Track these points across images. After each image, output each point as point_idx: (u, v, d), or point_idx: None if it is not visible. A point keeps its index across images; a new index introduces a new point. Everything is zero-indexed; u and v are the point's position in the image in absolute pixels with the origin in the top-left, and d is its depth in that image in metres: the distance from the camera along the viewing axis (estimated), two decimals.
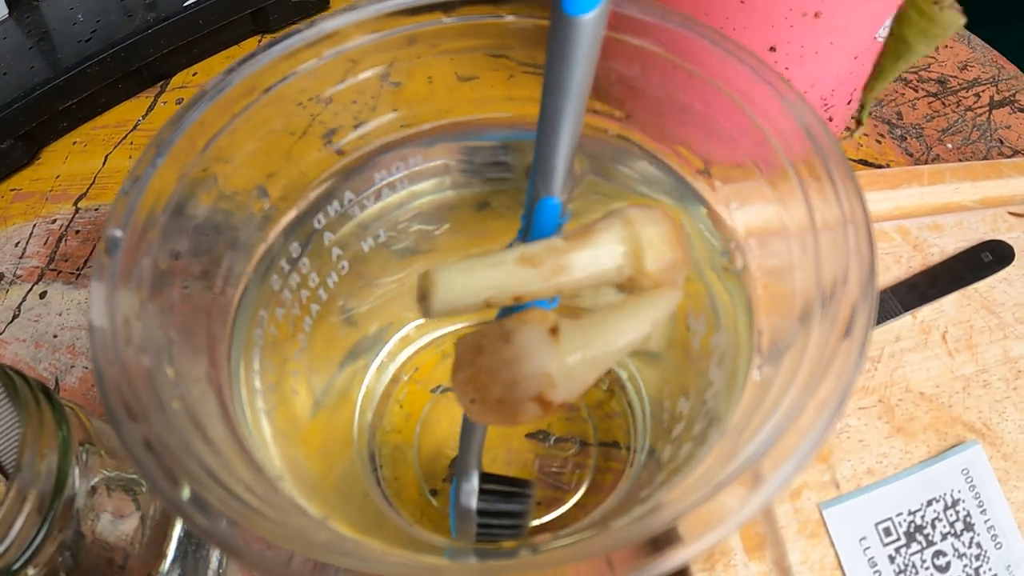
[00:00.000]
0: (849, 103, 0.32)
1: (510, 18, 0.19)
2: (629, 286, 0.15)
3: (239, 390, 0.17)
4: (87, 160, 0.36)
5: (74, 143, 0.37)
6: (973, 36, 0.43)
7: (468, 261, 0.14)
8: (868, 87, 0.31)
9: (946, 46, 0.43)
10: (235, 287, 0.17)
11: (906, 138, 0.38)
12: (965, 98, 0.40)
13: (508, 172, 0.22)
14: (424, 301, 0.13)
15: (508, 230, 0.19)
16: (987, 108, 0.40)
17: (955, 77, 0.41)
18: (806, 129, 0.16)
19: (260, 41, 0.41)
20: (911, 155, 0.37)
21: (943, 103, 0.40)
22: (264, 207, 0.18)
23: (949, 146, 0.38)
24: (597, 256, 0.14)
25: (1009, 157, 0.37)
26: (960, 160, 0.37)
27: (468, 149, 0.22)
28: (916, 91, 0.40)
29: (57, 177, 0.35)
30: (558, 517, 0.23)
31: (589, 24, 0.15)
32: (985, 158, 0.37)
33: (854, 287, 0.13)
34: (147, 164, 0.15)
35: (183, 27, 0.36)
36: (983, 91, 0.40)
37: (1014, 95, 0.40)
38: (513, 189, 0.23)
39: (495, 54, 0.20)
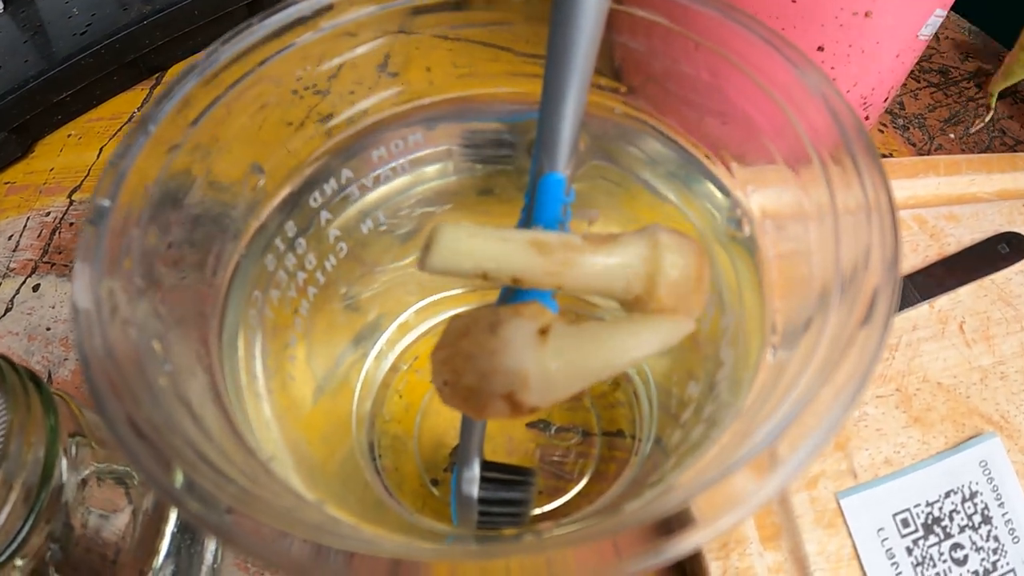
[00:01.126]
0: (885, 101, 0.31)
1: None
2: (634, 306, 0.14)
3: (235, 373, 0.17)
4: (81, 153, 0.35)
5: (69, 136, 0.36)
6: (974, 27, 0.43)
7: (481, 227, 0.13)
8: (995, 82, 0.34)
9: (947, 37, 0.42)
10: (227, 264, 0.17)
11: (908, 128, 0.38)
12: (967, 88, 0.40)
13: (511, 151, 0.22)
14: (425, 251, 0.13)
15: (512, 214, 0.18)
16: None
17: (956, 68, 0.41)
18: (824, 99, 0.15)
19: None
20: (913, 145, 0.37)
21: (945, 93, 0.39)
22: (258, 183, 0.18)
23: (951, 136, 0.37)
24: (610, 266, 0.13)
25: (1011, 147, 0.37)
26: (963, 150, 0.37)
27: (470, 132, 0.22)
28: (918, 81, 0.40)
29: (51, 170, 0.35)
30: (561, 506, 0.23)
31: None
32: (987, 148, 0.37)
33: (875, 272, 0.13)
34: (138, 134, 0.15)
35: (179, 19, 0.36)
36: (984, 82, 0.40)
37: (1015, 86, 0.40)
38: (516, 173, 0.22)
39: (495, 44, 0.20)
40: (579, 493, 0.23)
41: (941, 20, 0.28)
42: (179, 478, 0.11)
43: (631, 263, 0.13)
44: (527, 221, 0.17)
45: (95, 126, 0.37)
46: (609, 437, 0.24)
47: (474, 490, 0.18)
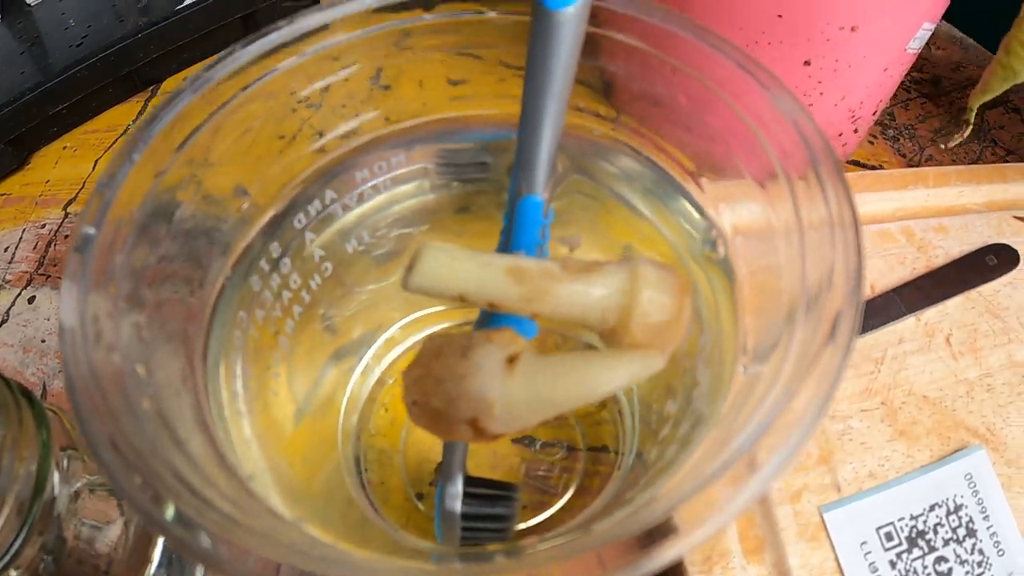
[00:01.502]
0: (874, 114, 0.32)
1: (492, 14, 0.18)
2: (609, 338, 0.14)
3: (218, 393, 0.17)
4: (77, 165, 0.36)
5: (64, 148, 0.37)
6: (966, 37, 0.43)
7: (463, 250, 0.13)
8: (974, 97, 0.34)
9: (939, 48, 0.42)
10: (212, 287, 0.17)
11: (899, 139, 0.38)
12: (958, 99, 0.40)
13: (488, 172, 0.22)
14: (408, 271, 0.13)
15: (490, 231, 0.18)
16: (980, 108, 0.39)
17: (948, 78, 0.41)
18: (795, 125, 0.15)
19: None
20: (904, 156, 0.37)
21: (936, 104, 0.39)
22: (243, 206, 0.18)
23: (942, 146, 0.37)
24: (587, 296, 0.13)
25: (1002, 158, 0.37)
26: (953, 161, 0.37)
27: (447, 152, 0.22)
28: (909, 92, 0.40)
29: (47, 182, 0.35)
30: (545, 520, 0.23)
31: (570, 19, 0.15)
32: (979, 158, 0.37)
33: (839, 291, 0.13)
34: (123, 161, 0.15)
35: (174, 32, 0.36)
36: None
37: (1007, 96, 0.40)
38: (493, 191, 0.22)
39: (480, 56, 0.20)
40: (563, 507, 0.23)
41: (930, 33, 0.28)
42: (170, 511, 0.11)
43: (607, 295, 0.13)
44: (506, 244, 0.17)
45: (90, 138, 0.37)
46: (594, 452, 0.24)
47: (457, 506, 0.19)
